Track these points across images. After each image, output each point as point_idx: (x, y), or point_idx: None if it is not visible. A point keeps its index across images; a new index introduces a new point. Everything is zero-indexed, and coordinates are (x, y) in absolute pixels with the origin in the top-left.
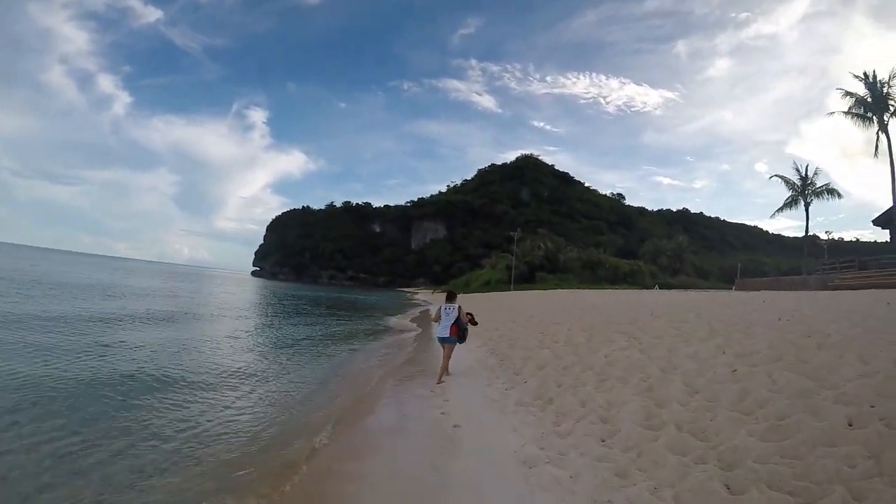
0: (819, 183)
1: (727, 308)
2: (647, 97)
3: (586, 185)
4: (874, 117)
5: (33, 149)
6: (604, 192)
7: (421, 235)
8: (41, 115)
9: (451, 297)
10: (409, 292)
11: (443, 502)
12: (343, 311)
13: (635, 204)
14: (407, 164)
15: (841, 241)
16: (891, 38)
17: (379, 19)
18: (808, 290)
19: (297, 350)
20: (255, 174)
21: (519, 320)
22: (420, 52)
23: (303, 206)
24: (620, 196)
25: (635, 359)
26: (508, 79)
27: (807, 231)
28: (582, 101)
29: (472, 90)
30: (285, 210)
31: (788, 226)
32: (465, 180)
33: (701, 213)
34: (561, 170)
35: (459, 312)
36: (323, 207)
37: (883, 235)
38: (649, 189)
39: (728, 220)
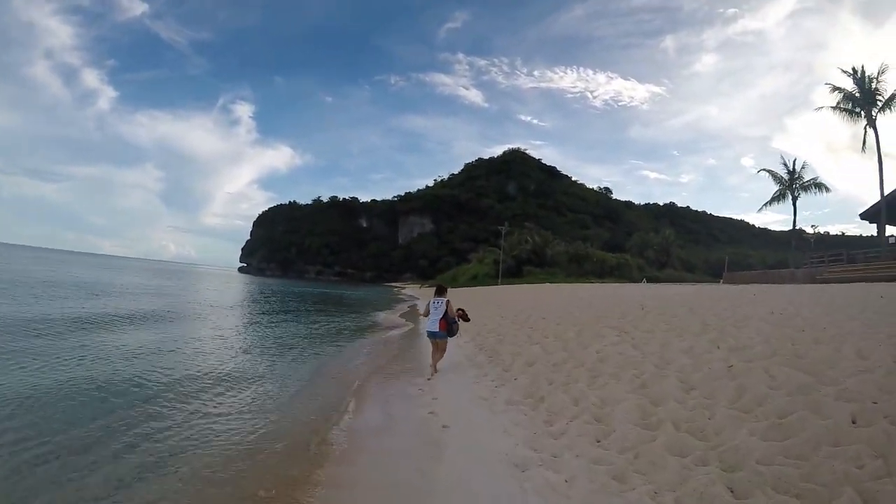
0: (806, 177)
1: (718, 302)
2: (634, 92)
3: (573, 179)
4: (862, 112)
5: (17, 145)
6: (591, 187)
7: (408, 230)
8: (25, 110)
9: (440, 292)
10: (396, 287)
11: None
12: (330, 306)
13: (622, 198)
14: (394, 159)
15: (827, 234)
16: (877, 35)
17: (366, 13)
18: (797, 283)
19: (282, 349)
20: (241, 169)
21: (507, 315)
22: (407, 46)
23: (289, 202)
24: (607, 190)
25: (628, 354)
26: (496, 73)
27: (794, 225)
28: (569, 96)
29: (459, 84)
30: (272, 205)
31: (774, 220)
32: (452, 174)
33: (688, 207)
34: (548, 164)
35: (448, 307)
36: (310, 202)
37: (870, 229)
38: (636, 183)
39: (714, 214)
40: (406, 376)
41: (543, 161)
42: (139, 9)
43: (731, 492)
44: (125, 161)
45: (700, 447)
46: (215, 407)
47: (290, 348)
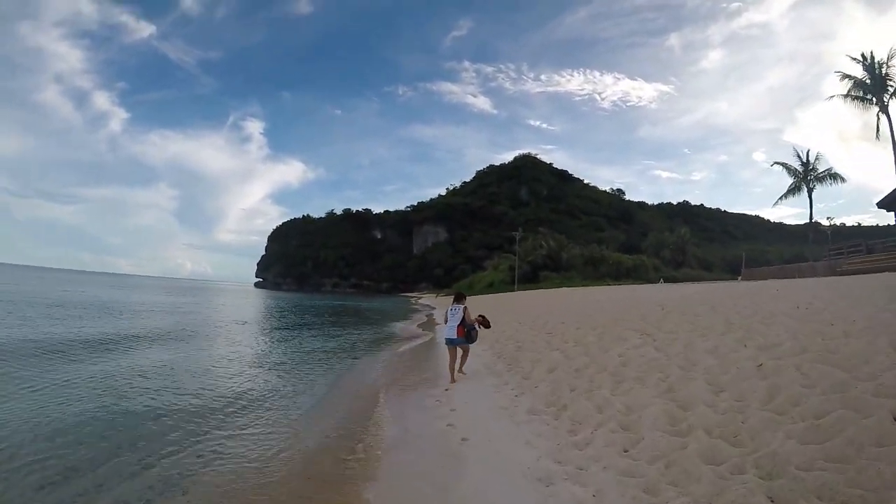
0: (820, 168)
1: (740, 299)
2: (641, 91)
3: (585, 181)
4: (874, 99)
5: (31, 168)
6: (603, 189)
7: (422, 240)
8: (37, 134)
9: (458, 299)
10: (412, 297)
11: None
12: (346, 319)
13: (635, 198)
14: (405, 169)
15: (843, 226)
16: (882, 22)
17: (370, 25)
18: (817, 276)
19: (297, 364)
20: (254, 185)
21: (525, 321)
22: (413, 56)
23: (303, 216)
24: (620, 191)
25: (651, 357)
26: (502, 79)
27: (811, 217)
28: (577, 99)
29: (467, 92)
30: (286, 220)
31: (789, 214)
32: (464, 182)
33: (701, 204)
34: (559, 167)
35: (465, 313)
36: (323, 215)
37: (887, 218)
38: (648, 183)
39: (729, 211)
40: (423, 387)
41: (554, 165)
42: (146, 31)
43: (772, 501)
44: (139, 181)
45: (735, 454)
46: (226, 426)
47: (305, 363)
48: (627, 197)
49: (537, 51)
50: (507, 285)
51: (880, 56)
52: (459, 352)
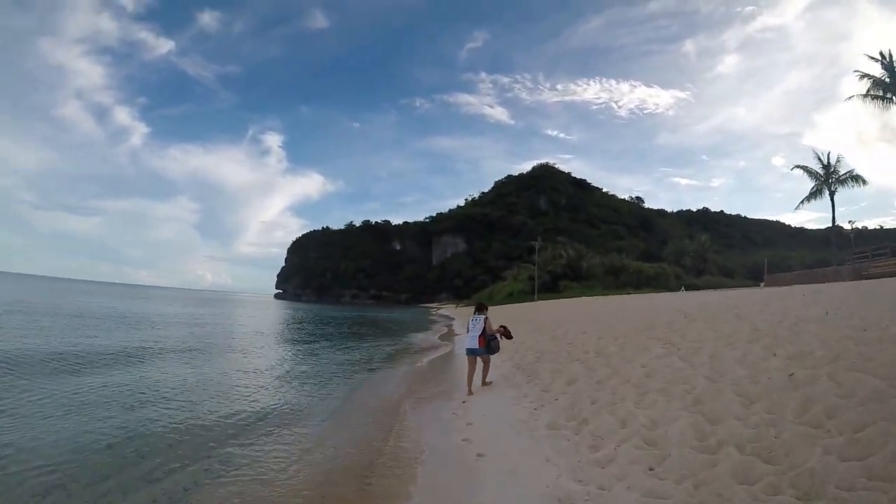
0: (842, 171)
1: (766, 306)
2: (658, 99)
3: (604, 190)
4: (893, 98)
5: (52, 182)
6: (622, 197)
7: (441, 250)
8: (59, 148)
9: (479, 309)
10: (432, 308)
11: None
12: (365, 330)
13: (654, 206)
14: (423, 181)
15: (865, 229)
16: None
17: (387, 39)
18: (842, 281)
19: (314, 376)
20: (273, 198)
21: (545, 331)
22: (429, 68)
23: (322, 227)
24: (639, 199)
25: (676, 367)
26: (519, 89)
27: (833, 221)
28: (594, 107)
29: (484, 103)
30: (305, 232)
31: (810, 218)
32: (483, 193)
33: (721, 211)
34: (577, 177)
35: (486, 324)
36: (342, 227)
37: None
38: (667, 190)
39: (749, 217)
40: (439, 400)
41: (573, 174)
42: (165, 47)
43: None
44: (159, 195)
45: (769, 472)
46: (236, 439)
47: (321, 375)
48: (646, 205)
49: (553, 60)
50: (527, 295)
51: None
52: (480, 363)
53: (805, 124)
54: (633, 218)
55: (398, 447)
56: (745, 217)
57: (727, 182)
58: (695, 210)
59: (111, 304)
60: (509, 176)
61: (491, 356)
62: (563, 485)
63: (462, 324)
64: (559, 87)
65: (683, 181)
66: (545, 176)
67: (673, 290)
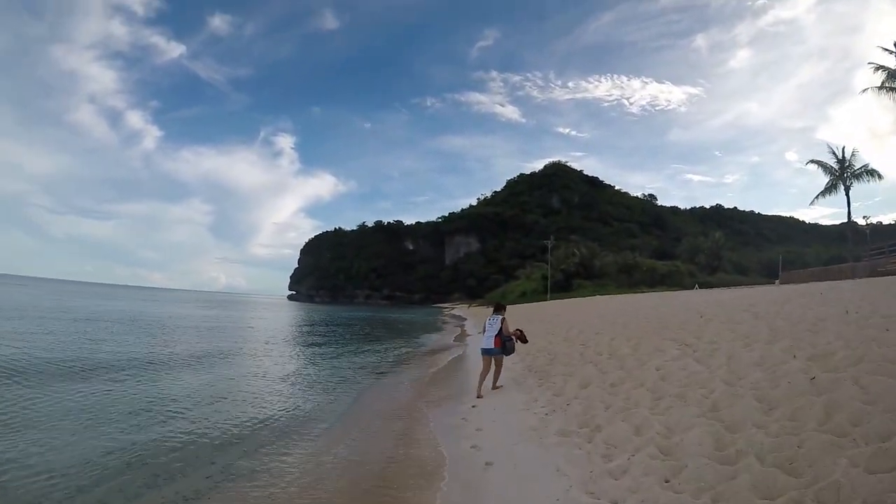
0: (857, 165)
1: (783, 304)
2: (670, 95)
3: (616, 188)
4: None
5: (67, 186)
6: (635, 194)
7: (454, 250)
8: (73, 153)
9: (497, 309)
10: (445, 308)
11: None
12: (377, 331)
13: (667, 203)
14: (435, 180)
15: (880, 224)
16: None
17: (397, 38)
18: (859, 277)
19: (324, 378)
20: (286, 199)
21: (557, 332)
22: (440, 67)
23: (335, 228)
24: (652, 196)
25: (692, 370)
26: (530, 87)
27: (849, 216)
28: (605, 104)
29: (495, 101)
30: (318, 233)
31: (824, 214)
32: (495, 192)
33: (735, 207)
34: (590, 174)
35: (503, 324)
36: (355, 228)
37: None
38: (680, 187)
39: (763, 213)
40: (449, 403)
41: (585, 172)
42: (177, 50)
43: None
44: (173, 197)
45: (793, 485)
46: (240, 446)
47: (331, 378)
48: (659, 202)
49: (564, 58)
50: (540, 294)
51: None
52: (493, 365)
53: (819, 118)
54: (646, 215)
55: (404, 455)
56: (758, 213)
57: (740, 178)
58: (708, 207)
59: (124, 308)
60: (521, 174)
61: (503, 359)
62: (574, 498)
63: (474, 324)
64: (570, 84)
65: (696, 178)
66: (557, 174)
67: (687, 289)
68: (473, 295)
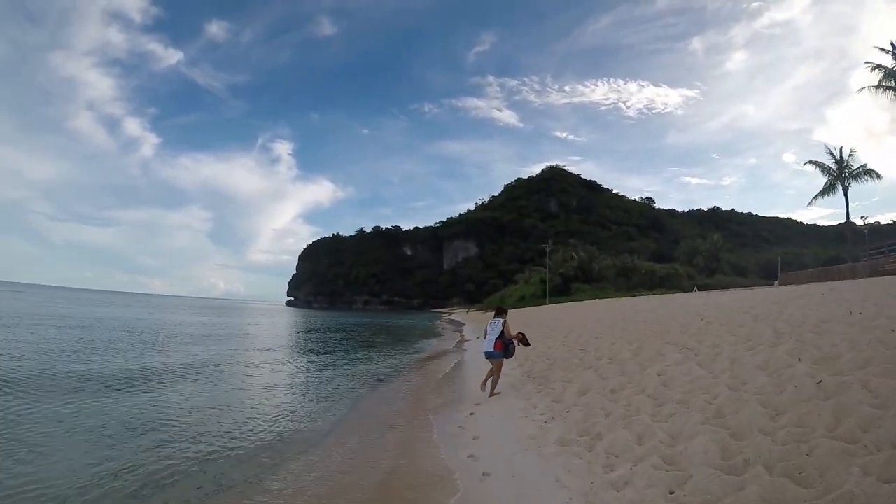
0: (854, 165)
1: (785, 306)
2: (667, 98)
3: (614, 191)
4: None
5: (67, 193)
6: (632, 198)
7: (452, 255)
8: (73, 160)
9: (499, 313)
10: (444, 313)
11: None
12: (375, 338)
13: (665, 206)
14: (433, 185)
15: (878, 224)
16: None
17: (394, 44)
18: (859, 278)
19: (320, 387)
20: (285, 205)
21: (556, 336)
22: (437, 73)
23: (333, 234)
24: (650, 200)
25: (695, 375)
26: (527, 92)
27: (847, 216)
28: (602, 108)
29: (492, 106)
30: (316, 239)
31: (822, 215)
32: (493, 196)
33: (732, 209)
34: (587, 178)
35: (504, 327)
36: (353, 234)
37: None
38: (677, 190)
39: (760, 215)
40: (446, 411)
41: (583, 176)
42: (174, 57)
43: None
44: (172, 204)
45: (804, 496)
46: (231, 454)
47: (327, 385)
48: (657, 205)
49: (560, 62)
50: (539, 298)
51: None
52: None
53: (815, 120)
54: (644, 219)
55: (403, 465)
56: (756, 215)
57: (738, 180)
58: (706, 209)
59: (121, 315)
60: (519, 179)
61: (503, 365)
62: None
63: (473, 329)
64: (567, 88)
65: (694, 180)
66: (555, 178)
67: (685, 291)
68: (472, 300)
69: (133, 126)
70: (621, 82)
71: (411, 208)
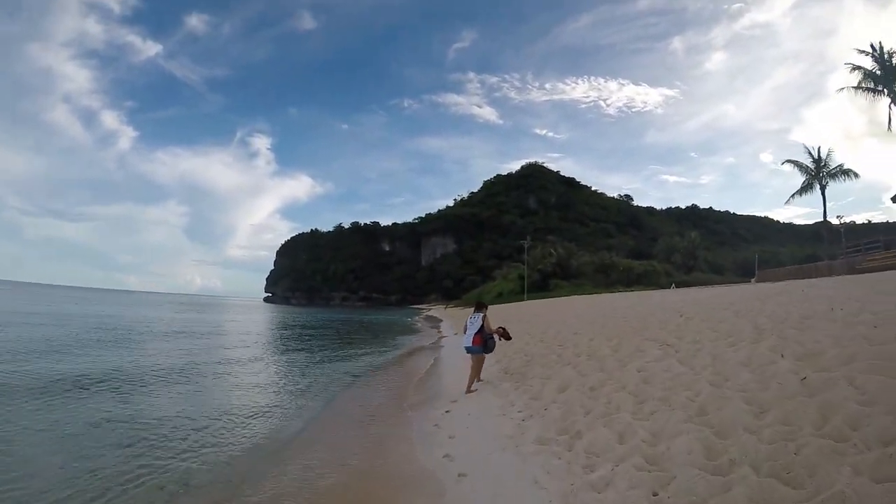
0: (832, 165)
1: (765, 302)
2: (647, 97)
3: (593, 188)
4: (885, 90)
5: (41, 187)
6: (611, 195)
7: (430, 251)
8: (47, 153)
9: (478, 308)
10: (422, 309)
11: None
12: (353, 335)
13: (643, 204)
14: (412, 181)
15: (853, 224)
16: (884, 17)
17: (374, 39)
18: (836, 275)
19: (294, 384)
20: (262, 201)
21: (535, 332)
22: (417, 69)
23: (311, 230)
24: (628, 197)
25: (676, 372)
26: (507, 89)
27: (825, 215)
28: (582, 106)
29: (472, 103)
30: (294, 234)
31: (798, 214)
32: (472, 193)
33: (710, 208)
34: (566, 175)
35: (484, 322)
36: (331, 229)
37: None
38: (656, 188)
39: (738, 213)
40: (422, 408)
41: (562, 173)
42: (153, 50)
43: None
44: (148, 199)
45: (793, 497)
46: (198, 453)
47: (301, 381)
48: (636, 203)
49: (541, 59)
50: (517, 294)
51: (889, 46)
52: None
53: (793, 120)
54: (623, 216)
55: (370, 466)
56: (733, 213)
57: (716, 179)
58: (684, 207)
59: (96, 312)
60: (498, 175)
61: (484, 360)
62: None
63: (451, 325)
64: (547, 86)
65: (672, 178)
66: (534, 175)
67: (663, 288)
68: (450, 296)
69: (110, 119)
70: (601, 80)
71: (390, 204)
